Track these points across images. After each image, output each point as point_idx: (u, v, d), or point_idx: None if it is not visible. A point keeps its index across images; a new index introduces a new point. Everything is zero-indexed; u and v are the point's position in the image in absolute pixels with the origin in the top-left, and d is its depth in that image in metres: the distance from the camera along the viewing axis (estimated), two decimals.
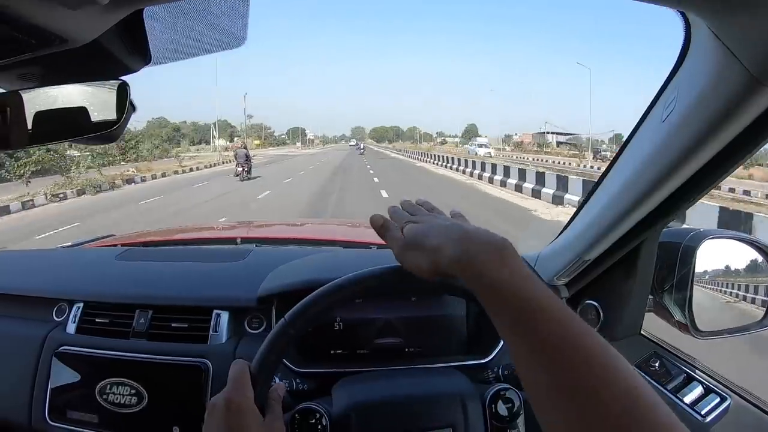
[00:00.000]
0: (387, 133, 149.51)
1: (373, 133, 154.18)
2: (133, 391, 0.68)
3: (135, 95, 0.49)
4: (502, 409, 0.60)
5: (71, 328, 0.76)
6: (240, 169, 15.65)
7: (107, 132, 0.51)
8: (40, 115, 0.50)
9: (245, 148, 16.61)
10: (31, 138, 0.50)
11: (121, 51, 0.48)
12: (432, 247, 0.42)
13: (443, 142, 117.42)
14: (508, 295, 0.37)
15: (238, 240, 1.21)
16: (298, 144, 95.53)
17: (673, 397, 0.66)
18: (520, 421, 0.61)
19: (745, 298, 0.76)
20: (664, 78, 0.51)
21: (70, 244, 1.25)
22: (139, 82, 0.50)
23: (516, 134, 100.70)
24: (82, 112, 0.51)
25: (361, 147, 57.07)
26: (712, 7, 0.37)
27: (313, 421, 0.56)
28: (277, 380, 0.67)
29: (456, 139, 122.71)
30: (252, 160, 16.57)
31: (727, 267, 0.76)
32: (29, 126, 0.49)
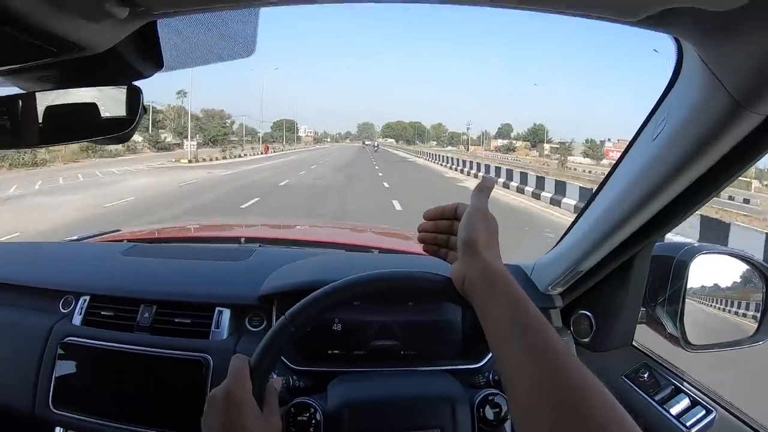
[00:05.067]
0: (406, 131, 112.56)
1: (388, 130, 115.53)
2: (135, 383, 0.70)
3: None
4: (489, 413, 0.62)
5: (77, 319, 0.78)
6: None
7: (119, 134, 0.53)
8: (51, 113, 0.52)
9: None
10: (41, 138, 0.52)
11: (135, 58, 0.51)
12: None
13: (510, 148, 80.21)
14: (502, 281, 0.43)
15: (242, 240, 1.24)
16: (188, 145, 28.08)
17: (659, 408, 0.67)
18: (507, 426, 0.63)
19: (737, 314, 0.77)
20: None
21: (75, 237, 1.28)
22: None
23: (609, 140, 67.88)
24: (92, 108, 0.53)
25: (375, 145, 53.07)
26: (699, 34, 0.39)
27: (308, 415, 0.58)
28: (275, 376, 0.69)
29: (516, 143, 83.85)
30: None
31: (720, 282, 0.76)
32: (40, 124, 0.52)
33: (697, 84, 0.44)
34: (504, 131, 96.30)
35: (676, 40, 0.44)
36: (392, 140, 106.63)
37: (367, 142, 74.65)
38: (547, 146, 74.04)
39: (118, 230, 1.39)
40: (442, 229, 0.53)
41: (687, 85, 0.46)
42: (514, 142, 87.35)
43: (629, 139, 0.58)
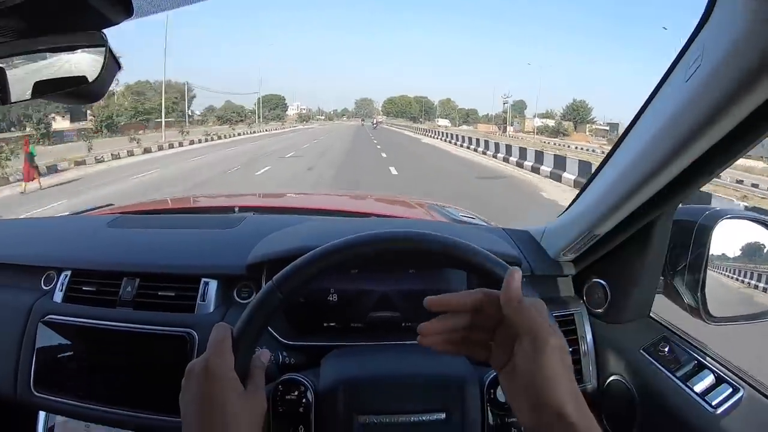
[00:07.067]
0: (410, 107, 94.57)
1: (390, 105, 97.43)
2: (118, 361, 0.67)
3: None
4: (501, 395, 0.56)
5: (58, 296, 0.74)
6: None
7: (86, 88, 0.48)
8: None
9: None
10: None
11: (101, 1, 0.45)
12: None
13: (557, 129, 58.62)
14: None
15: (236, 209, 1.18)
16: None
17: (682, 386, 0.62)
18: None
19: (760, 285, 0.72)
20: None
21: (68, 213, 1.25)
22: None
23: None
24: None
25: (374, 123, 50.48)
26: None
27: (297, 394, 0.53)
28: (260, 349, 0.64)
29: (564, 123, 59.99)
30: None
31: (744, 250, 0.72)
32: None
33: (737, 13, 0.38)
34: (517, 108, 76.98)
35: None
36: (402, 119, 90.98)
37: (375, 120, 66.11)
38: (592, 128, 60.03)
39: (111, 204, 1.35)
40: (458, 326, 0.42)
41: (725, 16, 0.40)
42: (562, 122, 63.72)
43: None
